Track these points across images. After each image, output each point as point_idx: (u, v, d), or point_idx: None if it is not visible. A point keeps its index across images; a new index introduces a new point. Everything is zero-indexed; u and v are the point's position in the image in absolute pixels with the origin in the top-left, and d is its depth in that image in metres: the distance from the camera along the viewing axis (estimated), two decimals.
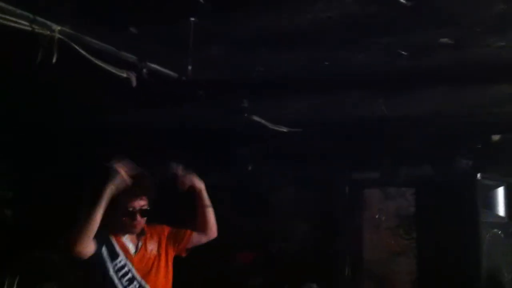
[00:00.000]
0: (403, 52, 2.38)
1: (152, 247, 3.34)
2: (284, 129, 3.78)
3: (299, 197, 4.45)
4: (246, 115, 3.32)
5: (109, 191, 3.00)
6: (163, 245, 3.31)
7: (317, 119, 3.70)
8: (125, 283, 3.20)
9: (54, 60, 1.85)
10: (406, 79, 3.01)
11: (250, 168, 4.40)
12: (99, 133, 3.93)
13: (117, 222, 3.21)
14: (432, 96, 3.22)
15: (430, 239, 3.50)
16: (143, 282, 3.19)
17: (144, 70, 1.79)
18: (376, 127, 3.69)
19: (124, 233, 3.26)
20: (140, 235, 3.36)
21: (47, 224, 4.00)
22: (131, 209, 3.20)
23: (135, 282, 3.21)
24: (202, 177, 4.45)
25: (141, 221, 3.27)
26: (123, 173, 3.02)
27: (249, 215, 4.54)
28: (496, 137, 3.62)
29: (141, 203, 3.26)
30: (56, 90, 2.86)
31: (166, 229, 3.32)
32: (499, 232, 3.35)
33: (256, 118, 3.54)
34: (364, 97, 3.39)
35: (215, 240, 4.36)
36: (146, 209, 3.25)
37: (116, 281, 3.15)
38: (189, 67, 1.87)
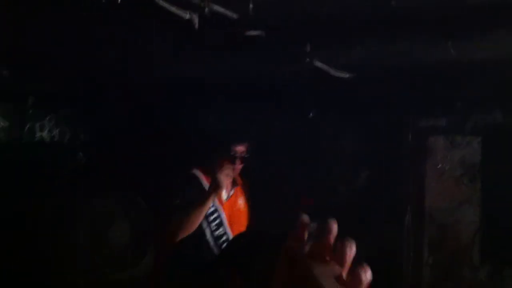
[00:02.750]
0: None
1: (241, 200, 3.48)
2: (347, 75, 3.71)
3: (362, 144, 4.41)
4: (308, 60, 3.27)
5: (211, 200, 3.12)
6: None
7: (381, 64, 3.61)
8: (214, 227, 3.33)
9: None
10: (477, 20, 2.87)
11: (311, 115, 4.39)
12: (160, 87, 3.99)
13: (217, 165, 3.36)
14: (505, 39, 3.06)
15: (495, 188, 3.41)
16: (228, 230, 3.30)
17: (206, 10, 1.78)
18: (443, 72, 3.56)
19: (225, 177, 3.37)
20: (234, 184, 3.49)
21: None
22: (232, 153, 3.40)
23: (221, 228, 3.33)
24: (263, 125, 4.51)
25: (239, 166, 3.43)
26: (225, 181, 3.13)
27: (312, 162, 4.56)
28: None
29: (241, 149, 3.44)
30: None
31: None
32: None
33: (318, 64, 3.49)
34: (432, 40, 3.27)
35: (280, 185, 4.45)
36: (245, 156, 3.43)
37: (205, 224, 3.27)
38: (250, 6, 1.84)
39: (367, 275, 0.95)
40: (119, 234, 4.03)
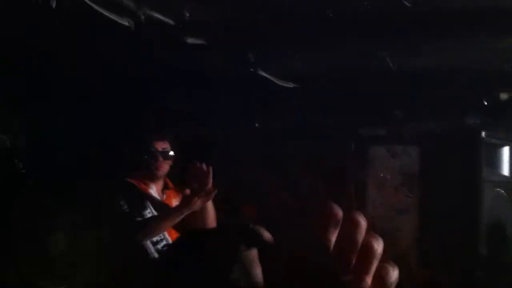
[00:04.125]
0: (407, 4, 2.31)
1: (175, 203, 3.37)
2: (291, 85, 3.75)
3: (305, 153, 4.45)
4: (252, 70, 3.28)
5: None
6: None
7: (323, 74, 3.66)
8: None
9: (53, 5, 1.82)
10: (413, 33, 2.95)
11: (256, 124, 4.41)
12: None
13: (140, 164, 3.27)
14: (439, 50, 3.16)
15: (433, 197, 3.50)
16: (166, 234, 3.23)
17: (143, 17, 1.76)
18: (382, 83, 3.65)
19: (149, 179, 3.30)
20: (165, 188, 3.40)
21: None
22: (153, 149, 3.28)
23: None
24: (207, 132, 4.48)
25: (163, 163, 3.32)
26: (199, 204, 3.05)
27: (255, 169, 4.57)
28: (504, 95, 3.57)
29: (163, 145, 3.33)
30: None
31: (188, 190, 3.35)
32: (503, 191, 3.34)
33: (262, 73, 3.51)
34: (370, 51, 3.34)
35: (221, 193, 4.40)
36: (168, 152, 3.32)
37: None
38: (187, 14, 1.83)
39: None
40: (57, 244, 3.91)
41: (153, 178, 3.31)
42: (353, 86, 3.84)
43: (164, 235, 3.21)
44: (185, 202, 2.95)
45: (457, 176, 3.29)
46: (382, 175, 4.19)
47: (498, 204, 3.28)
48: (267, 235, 0.97)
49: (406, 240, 4.03)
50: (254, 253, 1.07)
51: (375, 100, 3.99)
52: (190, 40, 2.20)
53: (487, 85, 3.57)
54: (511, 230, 3.32)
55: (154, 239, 3.16)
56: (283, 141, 4.44)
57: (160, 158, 3.28)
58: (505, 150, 3.42)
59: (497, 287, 3.19)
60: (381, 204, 4.21)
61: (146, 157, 3.26)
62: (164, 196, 3.38)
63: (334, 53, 3.44)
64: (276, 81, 3.55)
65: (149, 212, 3.20)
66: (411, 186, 3.99)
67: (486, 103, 3.45)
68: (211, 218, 3.22)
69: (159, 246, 3.17)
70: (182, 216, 2.96)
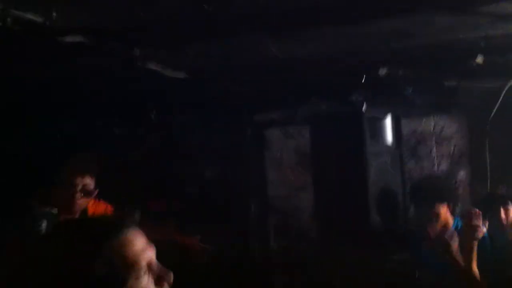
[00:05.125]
0: None
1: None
2: (182, 76, 3.82)
3: (205, 142, 4.54)
4: (139, 64, 3.30)
5: None
6: None
7: (214, 63, 3.76)
8: None
9: None
10: (293, 21, 3.11)
11: (153, 117, 4.43)
12: None
13: (60, 200, 3.02)
14: (319, 36, 3.36)
15: (325, 173, 3.71)
16: None
17: (9, 19, 1.72)
18: (270, 69, 3.80)
19: (64, 212, 3.07)
20: (82, 215, 3.16)
21: None
22: (72, 186, 3.00)
23: None
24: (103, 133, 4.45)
25: (82, 201, 3.06)
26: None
27: (158, 163, 4.60)
28: (383, 71, 3.84)
29: (84, 181, 3.05)
30: None
31: (109, 209, 3.20)
32: (387, 160, 3.61)
33: (151, 67, 3.55)
34: (256, 40, 3.48)
35: (127, 190, 4.39)
36: (89, 189, 3.05)
37: None
38: (54, 14, 1.83)
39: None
40: None
41: (67, 212, 3.13)
42: (246, 74, 3.97)
43: None
44: None
45: (345, 150, 3.52)
46: (278, 155, 4.39)
47: (384, 172, 3.55)
48: None
49: (306, 215, 4.26)
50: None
51: (268, 86, 4.15)
52: (68, 39, 2.19)
53: (366, 64, 3.84)
54: (396, 196, 3.61)
55: None
56: (181, 133, 4.51)
57: (77, 195, 3.08)
58: (387, 121, 3.68)
59: (386, 251, 3.47)
60: (279, 184, 4.41)
61: (61, 190, 3.05)
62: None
63: (224, 44, 3.54)
64: (166, 74, 3.60)
65: None
66: (306, 164, 4.22)
67: (365, 81, 3.70)
68: None
69: None
70: None
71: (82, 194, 2.95)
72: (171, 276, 1.21)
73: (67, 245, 1.15)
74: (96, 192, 3.10)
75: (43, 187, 3.12)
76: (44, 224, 2.95)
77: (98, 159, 3.27)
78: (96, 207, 3.26)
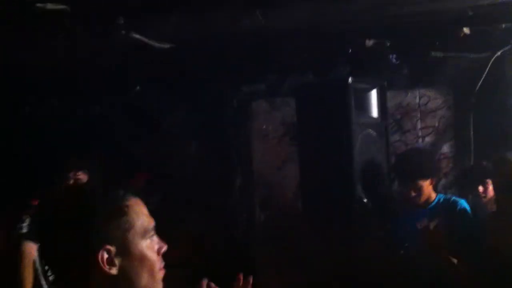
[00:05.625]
0: None
1: None
2: (167, 46, 3.76)
3: (189, 115, 4.51)
4: (124, 32, 3.25)
5: None
6: None
7: (198, 33, 3.71)
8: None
9: None
10: None
11: (137, 89, 4.38)
12: None
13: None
14: (305, 5, 3.33)
15: (311, 144, 3.69)
16: None
17: None
18: (257, 40, 3.77)
19: None
20: None
21: None
22: (66, 176, 3.08)
23: None
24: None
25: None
26: None
27: (141, 138, 4.55)
28: (369, 42, 3.82)
29: (78, 176, 3.12)
30: None
31: None
32: (372, 132, 3.61)
33: (136, 36, 3.49)
34: (242, 10, 3.44)
35: (111, 167, 4.35)
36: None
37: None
38: None
39: None
40: None
41: None
42: (231, 44, 3.93)
43: None
44: None
45: (331, 121, 3.50)
46: (264, 127, 4.37)
47: (369, 143, 3.55)
48: None
49: (292, 187, 4.26)
50: None
51: (253, 57, 4.11)
52: (50, 6, 2.13)
53: (353, 35, 3.82)
54: (381, 169, 3.62)
55: None
56: (167, 106, 4.45)
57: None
58: (373, 93, 3.67)
59: (370, 221, 3.48)
60: (266, 156, 4.40)
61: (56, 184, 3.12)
62: None
63: (209, 13, 3.50)
64: (151, 43, 3.55)
65: None
66: (292, 135, 4.20)
67: (351, 51, 3.68)
68: None
69: None
70: None
71: None
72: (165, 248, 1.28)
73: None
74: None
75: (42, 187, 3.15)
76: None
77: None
78: None
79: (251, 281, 1.47)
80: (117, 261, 1.17)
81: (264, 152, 4.44)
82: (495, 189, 3.18)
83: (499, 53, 4.02)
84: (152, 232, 1.26)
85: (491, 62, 4.03)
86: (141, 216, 1.23)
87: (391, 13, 3.41)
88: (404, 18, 3.49)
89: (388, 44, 3.86)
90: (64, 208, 1.20)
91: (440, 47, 3.92)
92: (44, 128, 4.28)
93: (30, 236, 2.96)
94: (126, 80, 4.25)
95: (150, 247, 1.24)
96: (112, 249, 1.17)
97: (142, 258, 1.21)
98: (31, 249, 2.95)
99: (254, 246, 4.43)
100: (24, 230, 2.97)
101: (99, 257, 1.15)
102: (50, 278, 3.05)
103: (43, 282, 3.07)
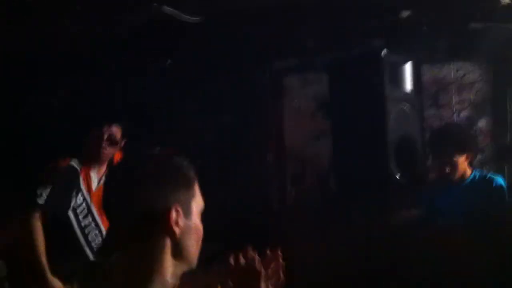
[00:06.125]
0: None
1: None
2: (198, 19, 3.73)
3: (221, 89, 4.48)
4: (155, 4, 3.23)
5: None
6: None
7: (230, 7, 3.67)
8: (81, 216, 3.18)
9: None
10: None
11: (168, 63, 4.37)
12: None
13: (89, 150, 3.16)
14: None
15: (345, 119, 3.65)
16: (97, 217, 3.18)
17: None
18: (288, 14, 3.70)
19: (92, 163, 3.20)
20: (109, 165, 3.26)
21: None
22: (98, 134, 3.15)
23: (89, 216, 3.18)
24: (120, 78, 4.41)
25: (108, 150, 3.19)
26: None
27: (171, 113, 4.55)
28: (405, 13, 3.71)
29: (111, 130, 3.18)
30: None
31: None
32: (406, 107, 3.54)
33: (167, 9, 3.47)
34: None
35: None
36: (114, 138, 3.18)
37: (72, 217, 3.12)
38: None
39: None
40: None
41: (95, 162, 3.22)
42: (263, 18, 3.87)
43: (92, 219, 3.15)
44: None
45: (365, 96, 3.45)
46: (296, 101, 4.33)
47: (404, 118, 3.49)
48: None
49: (325, 162, 4.23)
50: None
51: (285, 32, 4.05)
52: None
53: (387, 7, 3.71)
54: (415, 143, 3.55)
55: (82, 223, 3.12)
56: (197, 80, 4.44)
57: (104, 144, 3.19)
58: (407, 67, 3.59)
59: (406, 199, 3.45)
60: (299, 131, 4.36)
61: (89, 140, 3.18)
62: (104, 179, 3.26)
63: None
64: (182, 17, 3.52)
65: (81, 196, 3.13)
66: (325, 111, 4.15)
67: (385, 24, 3.58)
68: None
69: (86, 231, 3.13)
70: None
71: (109, 143, 3.08)
72: None
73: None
74: (123, 143, 3.20)
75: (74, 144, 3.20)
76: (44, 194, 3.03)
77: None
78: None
79: (280, 253, 1.49)
80: (181, 223, 1.31)
81: (296, 128, 4.41)
82: None
83: None
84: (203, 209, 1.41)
85: None
86: (198, 191, 1.39)
87: None
88: None
89: (423, 15, 3.74)
90: (148, 170, 1.34)
91: (479, 18, 3.78)
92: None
93: (46, 207, 3.01)
94: (157, 53, 4.24)
95: (199, 216, 1.39)
96: (180, 210, 1.31)
97: (197, 228, 1.37)
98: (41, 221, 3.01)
99: (285, 221, 4.43)
100: (41, 202, 3.02)
101: (171, 214, 1.29)
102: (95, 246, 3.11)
103: (87, 251, 3.13)
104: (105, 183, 1.58)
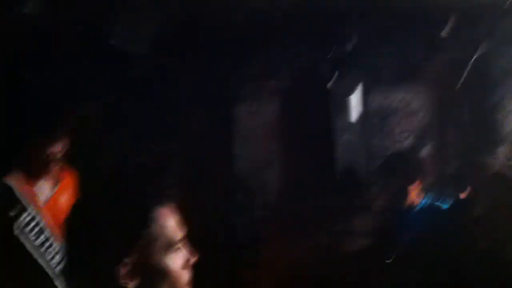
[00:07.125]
0: None
1: (66, 195, 3.08)
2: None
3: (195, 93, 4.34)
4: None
5: None
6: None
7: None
8: (32, 238, 2.97)
9: None
10: None
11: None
12: None
13: (24, 166, 2.97)
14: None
15: (293, 148, 3.66)
16: (52, 233, 2.99)
17: None
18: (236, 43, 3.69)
19: (34, 178, 3.01)
20: (57, 182, 3.08)
21: None
22: (43, 155, 2.94)
23: (42, 236, 2.98)
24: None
25: (53, 169, 3.00)
26: None
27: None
28: (348, 47, 3.77)
29: (55, 149, 2.99)
30: None
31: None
32: (351, 137, 3.57)
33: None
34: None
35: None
36: (58, 157, 2.99)
37: (23, 237, 2.92)
38: None
39: None
40: None
41: (37, 178, 3.04)
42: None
43: (48, 235, 2.97)
44: None
45: (312, 125, 3.47)
46: (246, 130, 4.29)
47: (348, 149, 3.52)
48: None
49: (274, 192, 4.20)
50: None
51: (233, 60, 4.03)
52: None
53: (334, 36, 3.76)
54: (360, 172, 3.59)
55: (37, 242, 2.94)
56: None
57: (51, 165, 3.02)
58: (352, 98, 3.63)
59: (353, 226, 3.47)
60: (246, 159, 4.33)
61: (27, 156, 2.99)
62: (55, 189, 3.09)
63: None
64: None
65: (29, 213, 2.95)
66: (273, 139, 4.14)
67: (332, 54, 3.63)
68: None
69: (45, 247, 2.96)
70: None
71: (52, 159, 2.92)
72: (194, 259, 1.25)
73: None
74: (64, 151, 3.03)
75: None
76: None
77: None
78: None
79: None
80: (135, 275, 1.14)
81: (245, 154, 4.37)
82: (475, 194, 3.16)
83: (479, 51, 3.99)
84: (179, 244, 1.21)
85: (471, 61, 3.99)
86: (166, 228, 1.18)
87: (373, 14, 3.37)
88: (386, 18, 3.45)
89: (369, 45, 3.80)
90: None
91: (422, 48, 3.88)
92: None
93: None
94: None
95: (175, 260, 1.19)
96: (131, 262, 1.14)
97: (164, 273, 1.17)
98: None
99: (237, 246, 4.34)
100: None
101: (117, 271, 1.13)
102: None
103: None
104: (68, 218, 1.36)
